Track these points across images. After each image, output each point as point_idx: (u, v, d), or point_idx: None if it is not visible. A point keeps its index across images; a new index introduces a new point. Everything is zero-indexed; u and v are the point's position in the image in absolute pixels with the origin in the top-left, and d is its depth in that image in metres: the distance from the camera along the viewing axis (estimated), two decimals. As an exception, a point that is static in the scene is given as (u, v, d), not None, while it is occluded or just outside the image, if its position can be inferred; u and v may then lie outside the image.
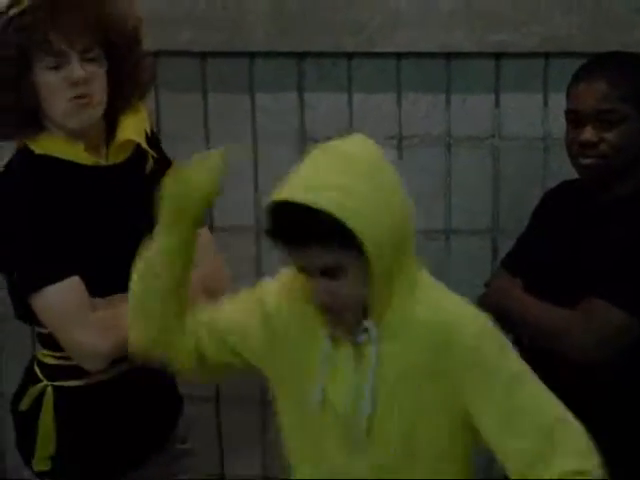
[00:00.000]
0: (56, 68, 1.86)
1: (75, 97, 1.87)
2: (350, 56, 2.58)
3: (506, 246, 2.35)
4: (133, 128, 1.99)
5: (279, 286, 1.71)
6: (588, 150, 2.05)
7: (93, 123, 1.93)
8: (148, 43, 2.56)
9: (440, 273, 1.69)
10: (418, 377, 1.59)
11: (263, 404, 2.74)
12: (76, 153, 1.92)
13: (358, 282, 1.55)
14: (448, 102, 2.59)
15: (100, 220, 1.94)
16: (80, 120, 1.90)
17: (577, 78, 2.11)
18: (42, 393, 1.97)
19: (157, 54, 2.61)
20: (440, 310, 1.60)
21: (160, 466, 2.07)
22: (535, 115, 2.56)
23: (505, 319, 1.73)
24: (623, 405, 2.04)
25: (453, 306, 1.62)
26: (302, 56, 2.60)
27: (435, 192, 2.63)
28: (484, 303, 1.80)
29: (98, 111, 1.92)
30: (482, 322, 1.60)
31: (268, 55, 2.60)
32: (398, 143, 2.62)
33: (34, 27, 1.84)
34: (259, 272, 2.73)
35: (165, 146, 2.14)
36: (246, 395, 2.77)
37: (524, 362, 1.60)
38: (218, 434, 2.87)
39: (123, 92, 1.96)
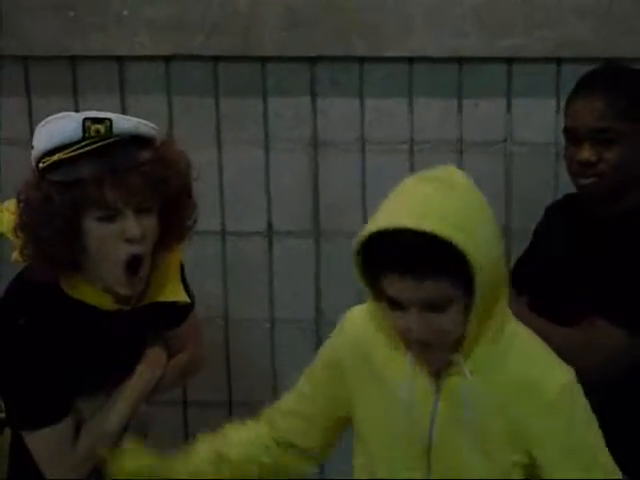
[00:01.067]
0: (109, 220, 1.76)
1: (128, 261, 1.79)
2: (362, 61, 2.58)
3: (518, 250, 2.35)
4: (172, 286, 1.95)
5: (361, 318, 1.68)
6: (587, 169, 2.04)
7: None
8: (161, 47, 2.61)
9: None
10: (488, 414, 1.58)
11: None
12: (106, 303, 1.87)
13: (460, 317, 1.51)
14: (460, 107, 2.59)
15: (111, 362, 1.92)
16: (132, 289, 1.84)
17: (574, 94, 2.10)
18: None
19: (170, 58, 2.64)
20: (532, 364, 1.60)
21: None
22: (547, 120, 2.55)
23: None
24: (627, 425, 2.02)
25: (542, 361, 1.61)
26: (314, 61, 2.60)
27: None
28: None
29: (146, 272, 1.85)
30: (565, 383, 1.59)
31: (280, 60, 2.60)
32: (410, 148, 2.62)
33: (88, 184, 1.73)
34: (270, 278, 2.74)
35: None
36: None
37: (598, 431, 1.60)
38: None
39: (168, 236, 1.89)
